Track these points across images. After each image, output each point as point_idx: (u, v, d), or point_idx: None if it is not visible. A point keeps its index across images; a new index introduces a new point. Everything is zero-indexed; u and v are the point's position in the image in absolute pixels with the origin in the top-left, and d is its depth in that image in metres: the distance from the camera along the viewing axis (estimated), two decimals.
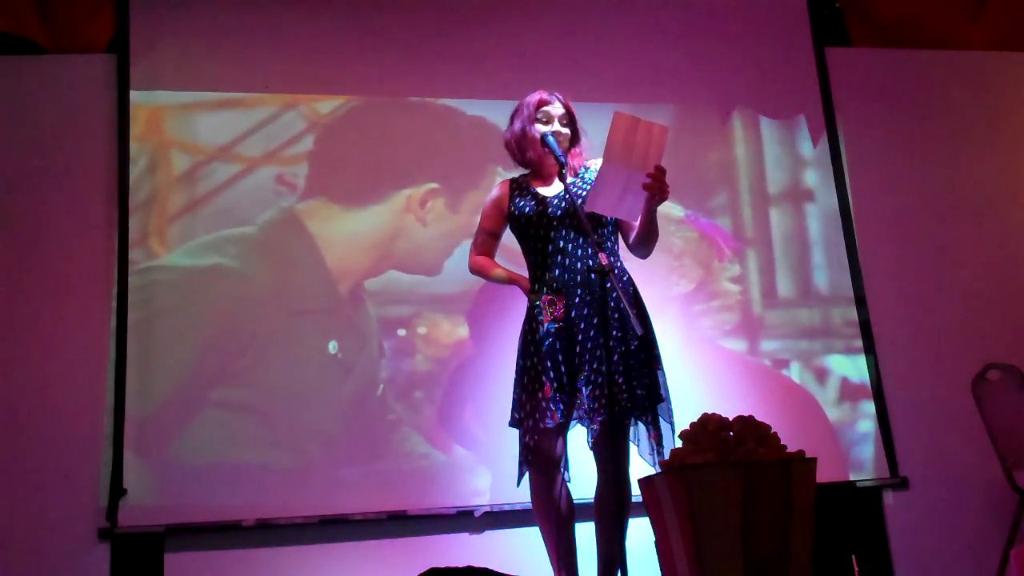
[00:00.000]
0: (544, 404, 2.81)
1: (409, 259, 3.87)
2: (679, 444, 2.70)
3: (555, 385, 2.83)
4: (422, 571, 2.52)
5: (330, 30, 4.05)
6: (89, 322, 3.61)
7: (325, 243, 3.82)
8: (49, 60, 3.90)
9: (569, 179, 2.97)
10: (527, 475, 2.89)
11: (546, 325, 2.89)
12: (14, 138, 3.75)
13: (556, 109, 3.04)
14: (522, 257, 3.07)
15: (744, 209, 4.22)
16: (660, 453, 2.87)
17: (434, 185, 3.94)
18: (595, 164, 3.06)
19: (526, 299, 3.01)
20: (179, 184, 3.78)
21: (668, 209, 3.89)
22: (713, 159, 4.24)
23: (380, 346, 3.75)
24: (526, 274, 3.04)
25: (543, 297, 2.92)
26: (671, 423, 2.92)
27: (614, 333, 2.80)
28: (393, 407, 3.70)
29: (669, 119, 4.22)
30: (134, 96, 3.81)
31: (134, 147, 3.76)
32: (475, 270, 3.17)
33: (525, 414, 2.86)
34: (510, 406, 2.94)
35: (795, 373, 4.08)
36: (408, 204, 3.90)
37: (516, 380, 2.94)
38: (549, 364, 2.85)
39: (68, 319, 3.60)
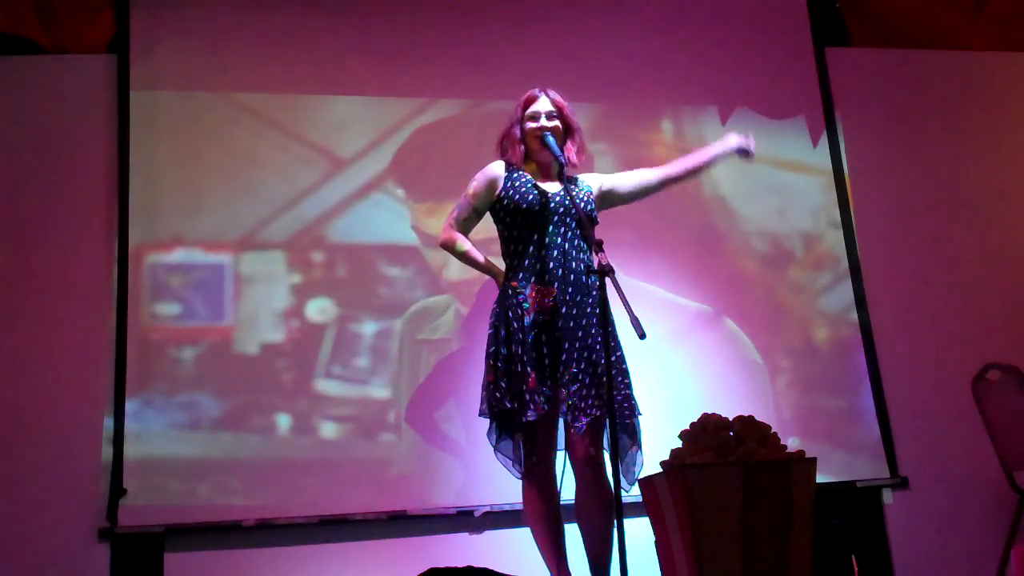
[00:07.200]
0: (528, 396, 2.73)
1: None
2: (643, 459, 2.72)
3: (539, 376, 2.76)
4: (422, 571, 2.52)
5: (330, 30, 4.05)
6: (89, 321, 3.61)
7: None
8: (49, 60, 3.90)
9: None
10: (521, 479, 2.83)
11: (532, 315, 2.80)
12: (14, 138, 3.75)
13: (543, 105, 3.00)
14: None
15: (743, 208, 4.22)
16: (631, 471, 2.81)
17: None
18: (585, 179, 3.01)
19: None
20: (179, 184, 3.78)
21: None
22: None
23: (380, 346, 3.75)
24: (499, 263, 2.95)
25: (531, 286, 2.85)
26: (639, 441, 2.84)
27: (599, 337, 2.71)
28: (393, 407, 3.70)
29: (670, 118, 4.24)
30: (134, 96, 3.81)
31: (133, 147, 3.76)
32: (447, 244, 2.99)
33: (501, 397, 2.76)
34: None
35: (794, 372, 4.07)
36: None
37: (492, 367, 2.82)
38: (535, 355, 2.77)
39: (68, 318, 3.60)
